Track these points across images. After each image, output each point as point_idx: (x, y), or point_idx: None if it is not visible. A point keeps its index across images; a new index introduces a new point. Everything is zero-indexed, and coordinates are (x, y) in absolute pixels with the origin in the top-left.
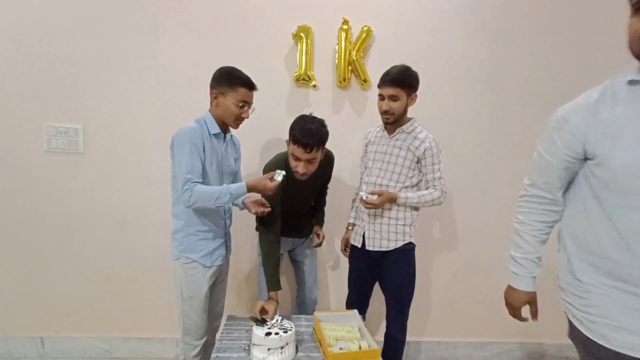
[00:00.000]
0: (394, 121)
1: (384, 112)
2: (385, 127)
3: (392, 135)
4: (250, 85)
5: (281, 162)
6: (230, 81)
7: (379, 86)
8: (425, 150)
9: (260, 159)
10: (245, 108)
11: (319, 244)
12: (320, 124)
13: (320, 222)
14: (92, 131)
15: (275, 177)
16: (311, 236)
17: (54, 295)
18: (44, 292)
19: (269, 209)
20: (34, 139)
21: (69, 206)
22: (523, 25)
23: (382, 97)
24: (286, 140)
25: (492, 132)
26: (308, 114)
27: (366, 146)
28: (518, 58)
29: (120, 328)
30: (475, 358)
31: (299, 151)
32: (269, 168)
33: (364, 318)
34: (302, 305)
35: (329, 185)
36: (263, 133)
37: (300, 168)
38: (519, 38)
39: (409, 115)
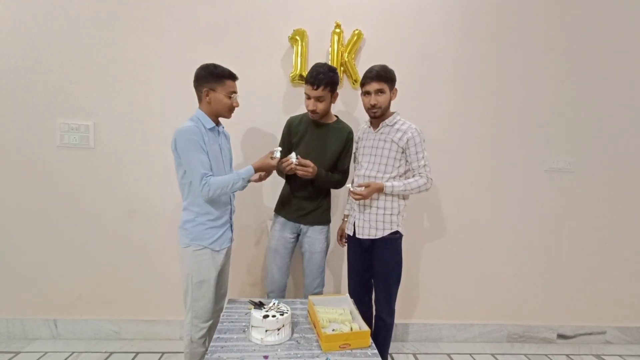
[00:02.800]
0: (380, 114)
1: (371, 107)
2: (371, 123)
3: (377, 129)
4: (233, 77)
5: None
6: (217, 76)
7: (362, 84)
8: (407, 140)
9: (257, 155)
10: (234, 97)
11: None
12: (330, 68)
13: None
14: (102, 128)
15: (274, 155)
16: (321, 226)
17: (66, 280)
18: (57, 278)
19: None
20: (48, 134)
21: (80, 197)
22: (507, 28)
23: (367, 93)
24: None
25: (478, 128)
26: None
27: (357, 143)
28: (503, 58)
29: (128, 311)
30: (459, 338)
31: (307, 88)
32: (291, 121)
33: (370, 306)
34: (306, 290)
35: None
36: (261, 129)
37: (310, 105)
38: (503, 39)
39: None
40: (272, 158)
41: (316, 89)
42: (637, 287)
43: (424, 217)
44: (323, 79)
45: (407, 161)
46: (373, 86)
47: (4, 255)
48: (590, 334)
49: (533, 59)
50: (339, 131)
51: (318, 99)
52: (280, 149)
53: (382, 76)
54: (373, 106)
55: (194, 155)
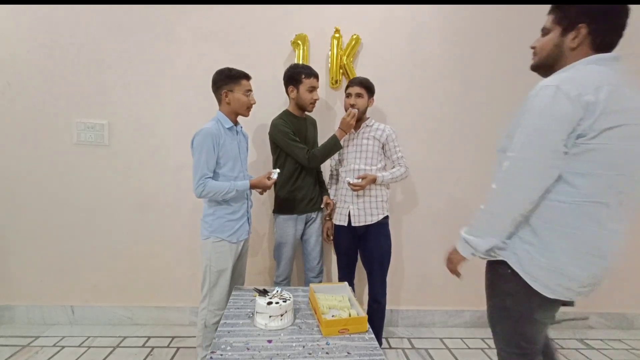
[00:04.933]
0: (359, 120)
1: (350, 107)
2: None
3: (359, 130)
4: (247, 76)
5: (285, 115)
6: (233, 78)
7: (347, 87)
8: (387, 136)
9: (262, 152)
10: (250, 95)
11: (331, 212)
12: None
13: (327, 193)
14: (116, 126)
15: (272, 176)
16: (322, 206)
17: (83, 269)
18: (74, 267)
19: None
20: (66, 133)
21: (96, 191)
22: (492, 31)
23: (350, 95)
24: (289, 90)
25: (465, 125)
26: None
27: None
28: (488, 59)
29: (141, 298)
30: (450, 324)
31: (314, 81)
32: (275, 121)
33: (353, 289)
34: (308, 274)
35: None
36: (265, 129)
37: (315, 95)
38: (489, 42)
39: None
40: (269, 179)
41: (318, 80)
42: (618, 275)
43: (419, 211)
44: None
45: (385, 155)
46: (355, 89)
47: (23, 247)
48: (573, 319)
49: (520, 59)
50: (313, 120)
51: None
52: (278, 170)
53: (364, 84)
54: (352, 106)
55: (203, 154)
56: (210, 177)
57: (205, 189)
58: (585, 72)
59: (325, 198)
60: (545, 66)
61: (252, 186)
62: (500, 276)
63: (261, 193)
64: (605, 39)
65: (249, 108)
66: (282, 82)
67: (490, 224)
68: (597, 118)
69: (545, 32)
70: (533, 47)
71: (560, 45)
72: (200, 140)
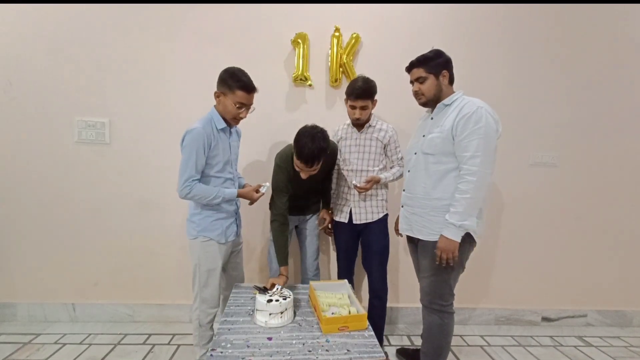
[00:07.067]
0: (363, 123)
1: (356, 119)
2: (353, 125)
3: (362, 130)
4: (247, 89)
5: (289, 153)
6: (230, 83)
7: (349, 99)
8: (389, 138)
9: (262, 151)
10: (243, 109)
11: (326, 227)
12: (323, 138)
13: (327, 206)
14: (117, 125)
15: (261, 189)
16: (318, 213)
17: (84, 267)
18: (75, 264)
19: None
20: (67, 131)
21: (97, 190)
22: (492, 29)
23: (354, 107)
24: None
25: None
26: (310, 125)
27: (338, 142)
28: (488, 58)
29: (142, 295)
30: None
31: (301, 165)
32: (280, 157)
33: (353, 287)
34: (305, 273)
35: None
36: (265, 127)
37: (303, 175)
38: (488, 40)
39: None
40: (257, 192)
41: (310, 167)
42: (616, 273)
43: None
44: (316, 157)
45: (385, 155)
46: (358, 103)
47: (25, 244)
48: (572, 317)
49: (518, 58)
50: (328, 160)
51: (311, 172)
52: (268, 184)
53: (367, 94)
54: (358, 119)
55: (192, 156)
56: (197, 180)
57: (192, 192)
58: (475, 100)
59: (322, 212)
60: (433, 101)
61: (239, 196)
62: (464, 242)
63: (250, 204)
64: (452, 76)
65: (234, 118)
66: (281, 80)
67: (473, 207)
68: (499, 127)
69: (422, 80)
70: (418, 92)
71: (439, 85)
72: (190, 141)
